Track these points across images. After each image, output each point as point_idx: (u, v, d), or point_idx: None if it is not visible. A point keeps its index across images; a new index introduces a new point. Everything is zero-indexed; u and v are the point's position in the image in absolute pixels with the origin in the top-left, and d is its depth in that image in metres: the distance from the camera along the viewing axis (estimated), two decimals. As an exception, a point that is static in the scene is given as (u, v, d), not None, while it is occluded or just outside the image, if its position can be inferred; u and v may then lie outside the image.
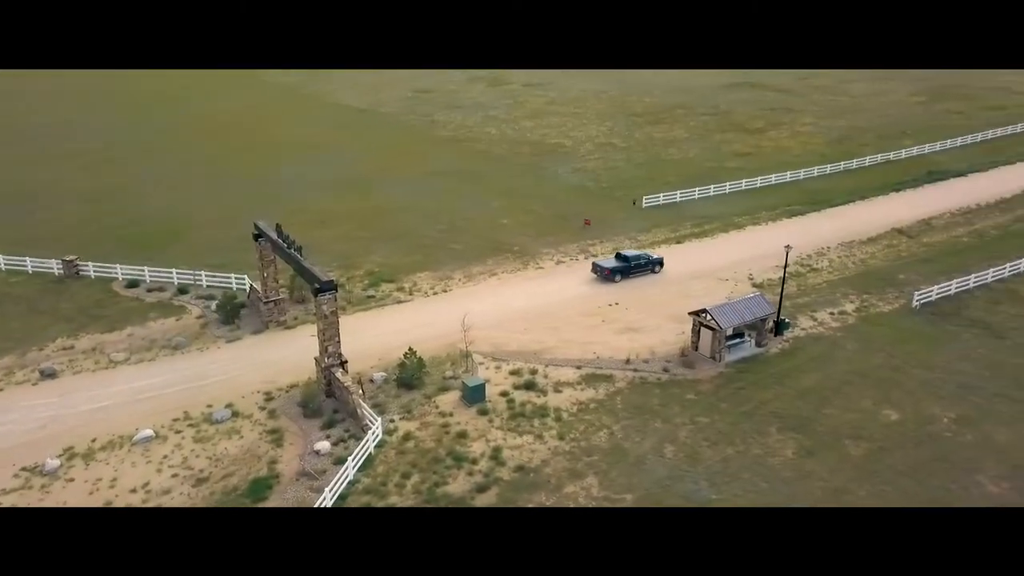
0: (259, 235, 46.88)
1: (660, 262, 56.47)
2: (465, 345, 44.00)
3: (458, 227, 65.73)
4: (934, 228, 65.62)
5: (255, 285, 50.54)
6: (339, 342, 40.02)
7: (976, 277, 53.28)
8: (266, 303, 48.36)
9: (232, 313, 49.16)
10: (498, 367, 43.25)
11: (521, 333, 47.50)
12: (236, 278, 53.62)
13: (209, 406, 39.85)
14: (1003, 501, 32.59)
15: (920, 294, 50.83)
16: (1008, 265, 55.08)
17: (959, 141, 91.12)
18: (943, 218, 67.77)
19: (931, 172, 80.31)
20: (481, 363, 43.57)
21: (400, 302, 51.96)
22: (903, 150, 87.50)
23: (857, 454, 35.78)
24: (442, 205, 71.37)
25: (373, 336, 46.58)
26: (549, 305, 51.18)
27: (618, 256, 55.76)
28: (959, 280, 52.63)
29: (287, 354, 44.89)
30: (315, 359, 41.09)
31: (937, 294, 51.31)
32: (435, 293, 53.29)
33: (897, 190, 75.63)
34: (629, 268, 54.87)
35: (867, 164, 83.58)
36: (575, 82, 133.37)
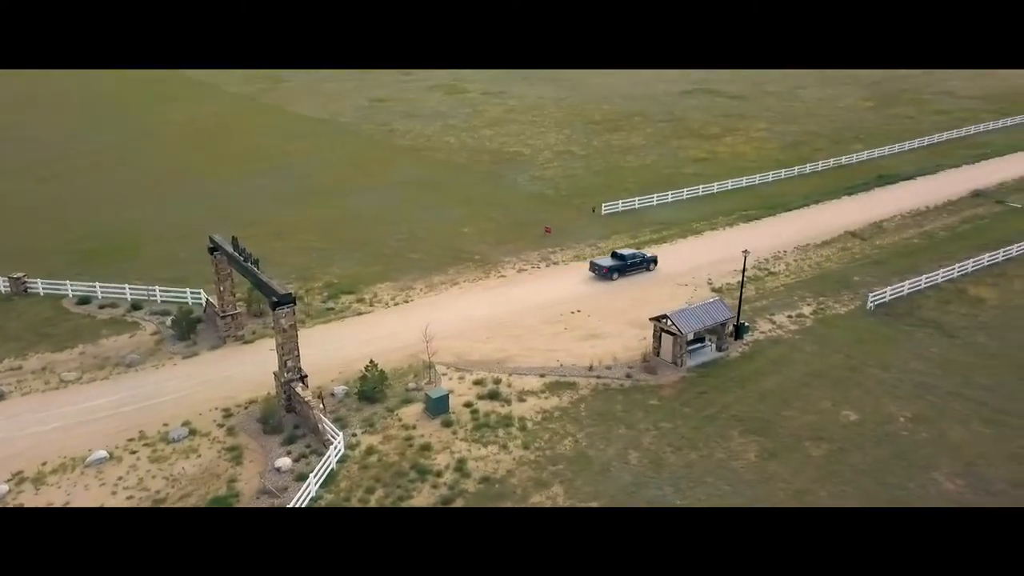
0: (214, 248, 46.00)
1: (654, 260, 58.31)
2: (428, 356, 43.65)
3: (418, 236, 65.34)
4: (885, 230, 67.08)
5: (211, 299, 49.56)
6: (298, 356, 39.38)
7: (927, 278, 54.55)
8: (223, 318, 47.44)
9: (188, 328, 48.12)
10: (461, 377, 42.97)
11: (484, 342, 47.30)
12: (192, 293, 52.54)
13: (165, 425, 38.87)
14: (959, 498, 33.28)
15: (874, 295, 51.86)
16: (957, 265, 56.51)
17: (907, 145, 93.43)
18: (894, 220, 69.32)
19: (881, 176, 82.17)
20: (444, 374, 43.25)
21: (360, 314, 51.38)
22: (854, 154, 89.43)
23: (818, 455, 36.27)
24: (402, 215, 70.91)
25: (333, 349, 45.98)
26: (512, 313, 51.07)
27: (614, 255, 57.61)
28: (911, 281, 53.83)
29: (245, 369, 44.05)
30: (274, 374, 40.36)
31: (891, 295, 52.40)
32: (396, 304, 52.83)
33: (849, 194, 77.20)
34: (626, 266, 56.65)
35: (820, 168, 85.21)
36: (533, 90, 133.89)
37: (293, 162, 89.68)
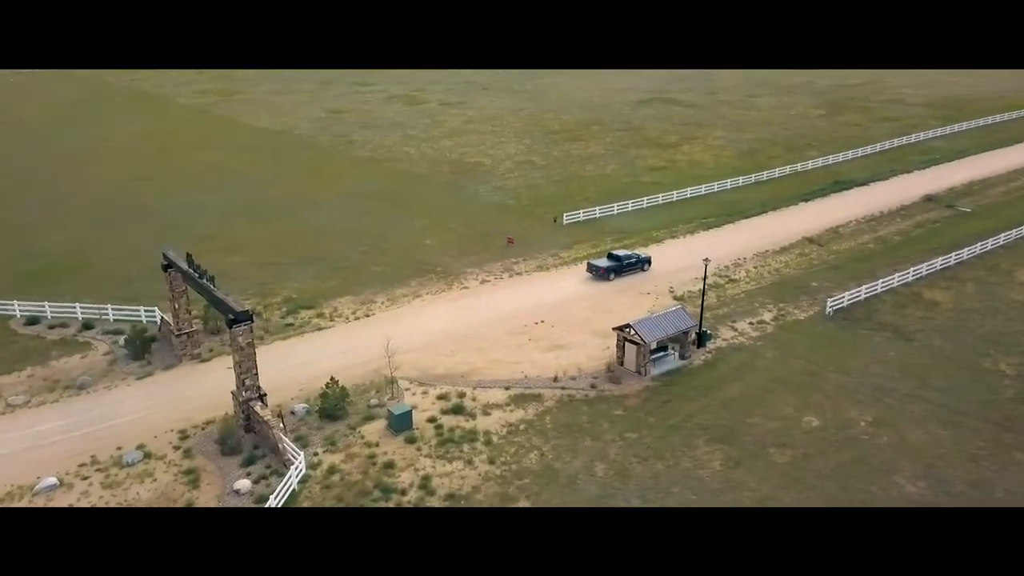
0: (168, 265, 44.80)
1: (648, 260, 60.01)
2: (390, 371, 42.98)
3: (379, 249, 64.59)
4: (842, 236, 68.21)
5: (166, 317, 48.27)
6: (257, 374, 38.44)
7: (883, 282, 55.52)
8: (178, 336, 46.20)
9: (142, 348, 46.78)
10: (425, 392, 42.39)
11: (448, 355, 46.79)
12: (146, 311, 51.14)
13: (119, 448, 37.59)
14: (920, 501, 33.69)
15: (833, 301, 52.58)
16: (912, 269, 57.62)
17: (860, 152, 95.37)
18: (849, 226, 70.54)
19: (836, 182, 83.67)
20: (407, 389, 42.63)
21: (320, 329, 50.48)
22: (809, 161, 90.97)
23: (782, 461, 36.47)
24: (362, 227, 70.10)
25: (293, 366, 45.05)
26: (475, 325, 50.65)
27: (610, 256, 59.36)
28: (868, 286, 54.72)
29: (202, 389, 42.90)
30: (232, 393, 39.32)
31: (849, 300, 53.19)
32: (357, 318, 52.03)
33: (806, 200, 78.44)
34: (622, 267, 58.40)
35: (776, 176, 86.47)
36: (492, 100, 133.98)
37: (249, 175, 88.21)
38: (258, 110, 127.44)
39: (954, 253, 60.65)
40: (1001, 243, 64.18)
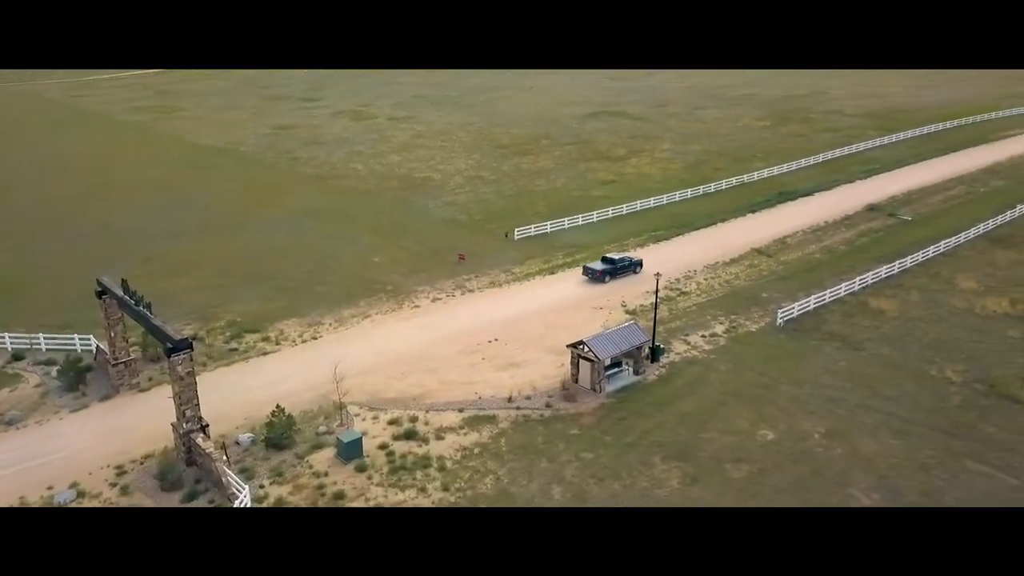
0: (103, 292, 42.82)
1: (640, 263, 61.96)
2: (338, 396, 41.66)
3: (327, 268, 63.13)
4: (789, 246, 69.07)
5: (102, 346, 46.15)
6: (198, 405, 36.80)
7: (831, 292, 56.19)
8: (115, 365, 44.15)
9: (77, 378, 44.63)
10: (375, 417, 41.19)
11: (399, 378, 45.66)
12: (81, 339, 48.92)
13: (50, 488, 35.50)
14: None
15: (783, 312, 52.97)
16: (858, 279, 58.50)
17: (803, 162, 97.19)
18: (796, 236, 71.51)
19: (782, 192, 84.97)
20: (357, 414, 41.36)
21: (266, 353, 48.85)
22: (755, 172, 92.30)
23: (739, 477, 36.25)
24: (309, 246, 68.55)
25: (237, 393, 43.40)
26: (427, 345, 49.64)
27: (604, 259, 61.14)
28: (817, 296, 55.32)
29: (141, 421, 40.97)
30: (172, 425, 37.58)
31: (798, 311, 53.65)
32: (304, 341, 50.52)
33: (753, 211, 79.40)
34: (616, 270, 60.23)
35: (723, 187, 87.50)
36: (441, 115, 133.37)
37: (191, 194, 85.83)
38: (201, 127, 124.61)
39: (897, 262, 61.81)
40: (941, 251, 65.68)
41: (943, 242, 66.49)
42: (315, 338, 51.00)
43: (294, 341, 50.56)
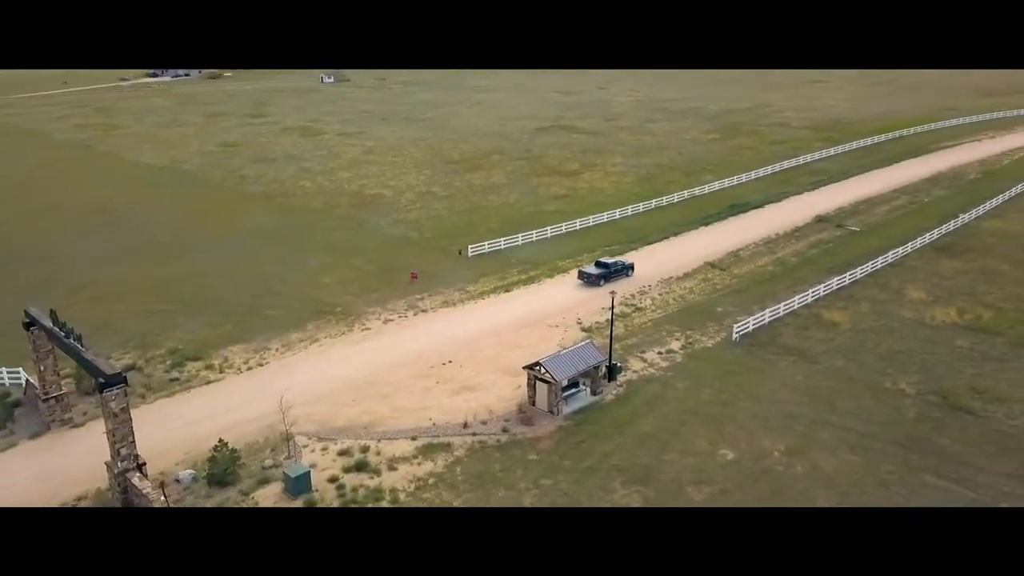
0: (31, 323, 40.36)
1: (632, 267, 64.57)
2: (286, 427, 39.86)
3: (274, 291, 61.06)
4: (742, 259, 69.26)
5: (32, 379, 43.53)
6: (133, 442, 34.72)
7: (785, 305, 56.25)
8: (46, 400, 41.62)
9: (5, 415, 42.11)
10: (325, 448, 39.47)
11: (349, 405, 44.02)
12: (9, 372, 46.24)
13: (-29, 537, 32.99)
14: (838, 531, 33.29)
15: (738, 326, 52.77)
16: (811, 291, 58.74)
17: (753, 175, 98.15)
18: (749, 249, 71.79)
19: (733, 205, 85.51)
20: (305, 446, 39.61)
21: (209, 383, 46.70)
22: (706, 185, 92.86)
23: (700, 499, 35.55)
24: (255, 267, 66.34)
25: (178, 426, 41.29)
26: (379, 369, 48.09)
27: (598, 264, 63.51)
28: (771, 309, 55.31)
29: (74, 460, 38.61)
30: (107, 464, 35.39)
31: (754, 325, 53.52)
32: (249, 368, 48.50)
33: (705, 224, 79.63)
34: (610, 273, 62.53)
35: (676, 200, 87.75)
36: (391, 130, 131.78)
37: (131, 215, 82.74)
38: (143, 145, 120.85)
39: (848, 273, 62.33)
40: (889, 261, 66.51)
41: (891, 252, 67.36)
42: (261, 365, 49.02)
43: (239, 369, 48.51)
